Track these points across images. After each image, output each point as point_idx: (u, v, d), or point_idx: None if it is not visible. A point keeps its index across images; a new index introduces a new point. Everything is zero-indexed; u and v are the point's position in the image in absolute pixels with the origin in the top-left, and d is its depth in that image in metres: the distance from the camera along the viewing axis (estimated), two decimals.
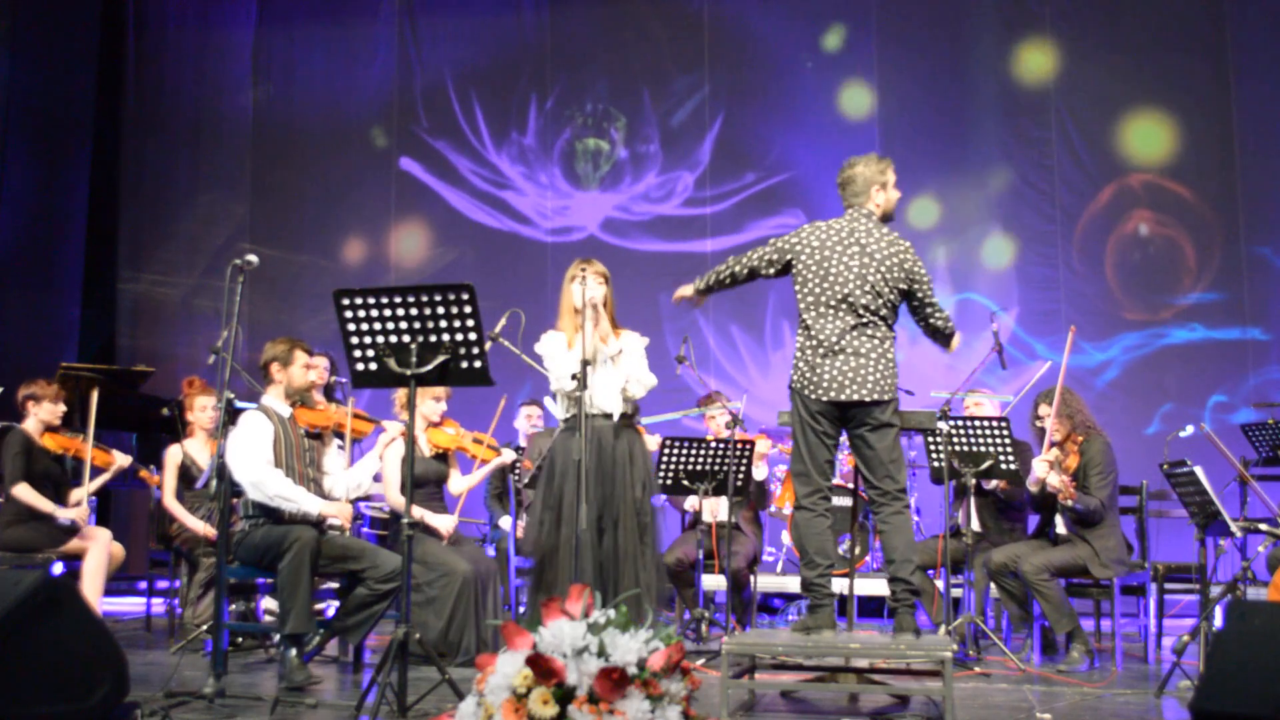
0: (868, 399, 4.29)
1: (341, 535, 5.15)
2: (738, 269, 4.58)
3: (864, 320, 4.33)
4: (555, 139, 10.04)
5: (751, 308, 9.45)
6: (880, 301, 4.35)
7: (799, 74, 9.64)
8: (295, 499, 4.83)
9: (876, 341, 4.33)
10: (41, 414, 6.13)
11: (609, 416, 4.84)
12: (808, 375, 4.35)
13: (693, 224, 9.69)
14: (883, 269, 4.35)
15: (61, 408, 6.22)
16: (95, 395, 6.32)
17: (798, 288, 4.44)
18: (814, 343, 4.35)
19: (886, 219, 4.53)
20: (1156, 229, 8.98)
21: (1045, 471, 5.59)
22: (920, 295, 4.47)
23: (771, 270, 4.49)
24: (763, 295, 9.40)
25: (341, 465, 5.26)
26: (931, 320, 4.54)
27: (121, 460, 6.35)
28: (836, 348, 4.31)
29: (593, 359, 4.72)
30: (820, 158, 9.44)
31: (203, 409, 6.38)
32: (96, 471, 6.27)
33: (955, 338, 4.62)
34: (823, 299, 4.36)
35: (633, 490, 4.78)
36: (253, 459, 4.80)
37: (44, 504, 5.99)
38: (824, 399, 4.31)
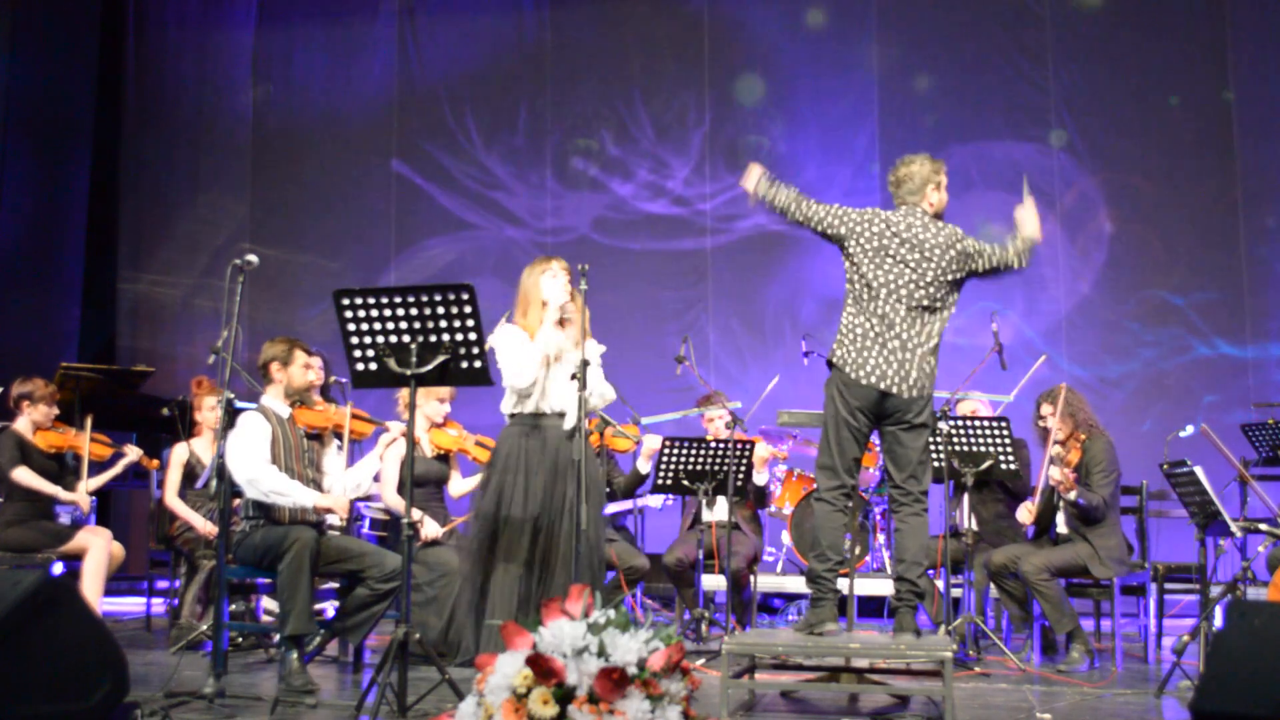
0: (907, 394, 4.33)
1: (341, 535, 5.14)
2: (794, 208, 4.52)
3: (914, 314, 4.38)
4: (548, 139, 10.02)
5: (752, 306, 9.45)
6: (931, 293, 4.39)
7: (792, 73, 9.62)
8: (290, 493, 4.81)
9: (924, 338, 4.38)
10: (35, 415, 6.14)
11: (562, 416, 4.80)
12: (853, 355, 4.37)
13: (684, 223, 9.65)
14: (937, 264, 4.40)
15: (55, 410, 6.23)
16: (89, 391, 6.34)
17: (850, 269, 4.48)
18: (864, 325, 4.38)
19: (937, 218, 4.54)
20: (1154, 228, 8.97)
21: (1028, 518, 5.80)
22: (981, 265, 4.45)
23: (820, 229, 4.49)
24: (765, 292, 9.39)
25: (341, 466, 5.25)
26: (1002, 268, 4.49)
27: (133, 454, 6.36)
28: (889, 334, 4.35)
29: (559, 357, 4.69)
30: (814, 157, 9.45)
31: (211, 409, 6.40)
32: (99, 466, 6.28)
33: (1023, 257, 4.53)
34: (875, 282, 4.39)
35: (574, 496, 4.59)
36: (249, 457, 4.80)
37: (46, 486, 6.02)
38: (863, 383, 4.33)
